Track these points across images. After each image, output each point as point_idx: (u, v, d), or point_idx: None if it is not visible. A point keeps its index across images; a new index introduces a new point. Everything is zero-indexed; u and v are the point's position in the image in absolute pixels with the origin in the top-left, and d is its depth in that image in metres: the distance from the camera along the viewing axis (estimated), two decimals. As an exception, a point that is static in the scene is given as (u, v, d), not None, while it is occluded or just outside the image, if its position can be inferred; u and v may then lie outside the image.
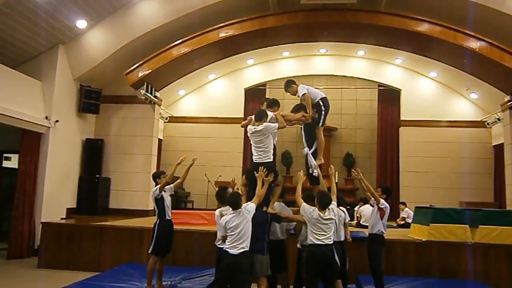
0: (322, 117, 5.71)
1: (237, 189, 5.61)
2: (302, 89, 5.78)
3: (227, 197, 4.81)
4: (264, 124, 5.05)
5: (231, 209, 4.59)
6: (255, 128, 5.08)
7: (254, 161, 5.08)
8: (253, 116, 5.55)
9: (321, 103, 5.71)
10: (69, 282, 5.53)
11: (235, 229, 4.47)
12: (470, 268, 6.64)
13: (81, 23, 9.38)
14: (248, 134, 5.21)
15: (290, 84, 5.98)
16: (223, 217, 4.63)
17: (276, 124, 5.12)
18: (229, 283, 4.50)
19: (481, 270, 6.65)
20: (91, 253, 7.61)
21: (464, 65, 10.14)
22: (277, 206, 5.26)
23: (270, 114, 5.34)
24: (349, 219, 6.22)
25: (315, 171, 5.65)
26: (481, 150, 12.27)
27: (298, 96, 5.87)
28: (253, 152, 5.14)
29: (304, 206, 4.75)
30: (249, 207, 4.61)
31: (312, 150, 5.76)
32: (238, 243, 4.43)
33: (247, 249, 4.45)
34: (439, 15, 9.37)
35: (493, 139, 12.12)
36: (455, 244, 6.78)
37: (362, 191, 6.01)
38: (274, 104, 5.60)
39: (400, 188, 12.47)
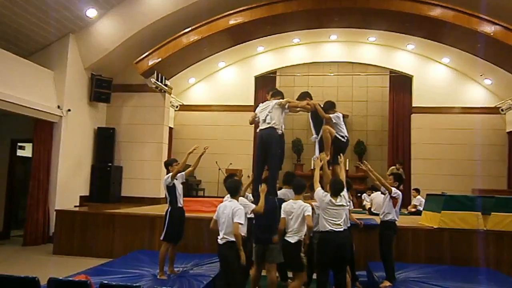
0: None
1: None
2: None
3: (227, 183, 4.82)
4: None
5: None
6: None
7: None
8: (257, 112, 5.62)
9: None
10: (83, 268, 5.63)
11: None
12: (482, 255, 6.60)
13: (91, 12, 9.40)
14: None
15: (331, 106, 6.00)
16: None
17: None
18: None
19: (494, 257, 6.61)
20: (104, 240, 7.75)
21: (478, 50, 9.96)
22: (287, 194, 5.28)
23: (274, 101, 5.47)
24: (352, 207, 6.31)
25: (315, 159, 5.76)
26: (494, 136, 12.10)
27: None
28: None
29: (318, 190, 4.85)
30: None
31: (319, 137, 5.78)
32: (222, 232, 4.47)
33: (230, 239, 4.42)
34: (452, -1, 9.19)
35: (508, 126, 11.93)
36: (467, 232, 6.74)
37: (372, 181, 6.01)
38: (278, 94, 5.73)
39: (412, 175, 12.37)
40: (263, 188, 5.00)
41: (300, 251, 4.73)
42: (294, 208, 4.74)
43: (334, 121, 5.74)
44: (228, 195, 4.74)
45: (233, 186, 4.65)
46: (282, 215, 4.80)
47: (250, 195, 5.47)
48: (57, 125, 9.39)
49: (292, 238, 4.69)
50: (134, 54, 10.14)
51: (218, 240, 4.49)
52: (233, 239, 4.38)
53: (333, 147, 5.72)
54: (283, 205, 4.85)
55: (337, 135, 5.74)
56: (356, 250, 5.85)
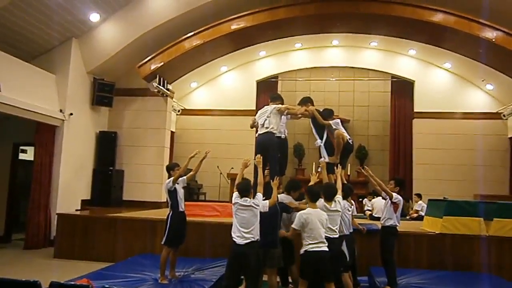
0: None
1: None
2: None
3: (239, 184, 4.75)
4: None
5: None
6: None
7: None
8: (256, 117, 5.66)
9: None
10: (84, 272, 5.63)
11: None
12: (484, 261, 6.57)
13: (94, 17, 9.45)
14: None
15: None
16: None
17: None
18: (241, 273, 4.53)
19: (495, 263, 6.58)
20: (106, 244, 7.73)
21: (479, 55, 9.95)
22: (284, 199, 5.29)
23: (272, 106, 5.57)
24: (355, 212, 6.30)
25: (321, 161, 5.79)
26: (496, 142, 12.07)
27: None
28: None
29: None
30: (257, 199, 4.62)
31: (323, 141, 5.79)
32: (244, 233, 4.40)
33: (254, 239, 4.40)
34: (454, 4, 9.20)
35: (509, 131, 11.90)
36: (468, 237, 6.72)
37: (373, 186, 6.01)
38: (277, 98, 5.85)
39: (414, 180, 12.34)
40: (275, 182, 4.96)
41: (330, 261, 4.46)
42: (323, 216, 4.51)
43: (334, 127, 5.76)
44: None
45: (242, 187, 4.64)
46: (295, 226, 4.53)
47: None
48: (59, 129, 9.42)
49: (326, 247, 4.41)
50: (136, 59, 10.18)
51: (238, 240, 4.35)
52: (257, 238, 4.38)
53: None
54: (298, 214, 4.58)
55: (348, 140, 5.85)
56: (358, 255, 5.84)
